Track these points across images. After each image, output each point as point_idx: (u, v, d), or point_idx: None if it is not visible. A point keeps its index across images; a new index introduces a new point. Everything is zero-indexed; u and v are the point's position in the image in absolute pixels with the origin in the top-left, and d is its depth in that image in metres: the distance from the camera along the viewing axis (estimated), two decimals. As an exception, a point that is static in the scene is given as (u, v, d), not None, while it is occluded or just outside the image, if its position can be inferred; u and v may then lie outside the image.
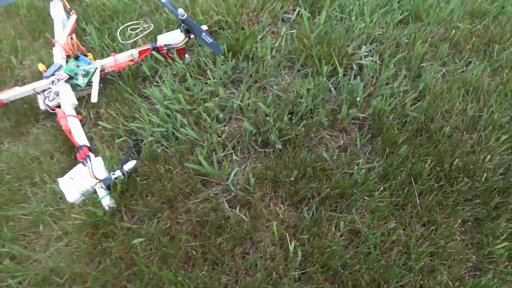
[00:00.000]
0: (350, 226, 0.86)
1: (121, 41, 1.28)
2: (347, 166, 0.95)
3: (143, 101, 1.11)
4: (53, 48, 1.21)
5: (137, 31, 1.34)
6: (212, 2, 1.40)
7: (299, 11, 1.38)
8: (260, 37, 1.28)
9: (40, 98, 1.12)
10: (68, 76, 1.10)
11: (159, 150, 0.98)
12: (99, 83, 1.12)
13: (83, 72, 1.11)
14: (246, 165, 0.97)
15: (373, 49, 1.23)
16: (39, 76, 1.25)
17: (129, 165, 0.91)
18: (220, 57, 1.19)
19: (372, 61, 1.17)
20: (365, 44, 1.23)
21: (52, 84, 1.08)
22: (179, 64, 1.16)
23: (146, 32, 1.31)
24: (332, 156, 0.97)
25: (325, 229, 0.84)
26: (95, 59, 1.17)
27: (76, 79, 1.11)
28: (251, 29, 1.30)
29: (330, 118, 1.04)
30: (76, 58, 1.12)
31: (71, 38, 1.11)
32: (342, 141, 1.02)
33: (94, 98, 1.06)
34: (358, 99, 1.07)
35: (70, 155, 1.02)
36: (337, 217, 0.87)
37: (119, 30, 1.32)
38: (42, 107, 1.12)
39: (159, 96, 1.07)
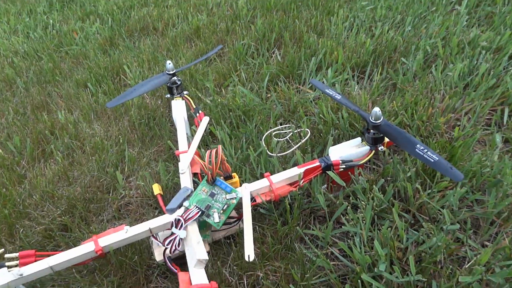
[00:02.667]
0: None
1: (269, 153, 0.88)
2: None
3: (328, 263, 0.64)
4: (179, 164, 0.83)
5: (287, 137, 0.95)
6: (383, 94, 1.00)
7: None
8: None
9: (156, 244, 0.71)
10: (200, 212, 0.68)
11: None
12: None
13: (224, 206, 0.69)
14: None
15: None
16: (153, 201, 0.86)
17: None
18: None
19: None
20: None
21: (176, 227, 0.66)
22: (379, 195, 0.71)
23: (304, 140, 0.91)
24: None
25: None
26: (241, 182, 0.76)
27: (208, 215, 0.69)
28: (457, 136, 0.85)
29: None
30: (213, 181, 0.71)
31: (216, 152, 0.71)
32: None
33: (250, 255, 0.62)
34: None
35: None
36: None
37: (264, 137, 0.94)
38: (159, 258, 0.70)
39: (362, 263, 0.60)
